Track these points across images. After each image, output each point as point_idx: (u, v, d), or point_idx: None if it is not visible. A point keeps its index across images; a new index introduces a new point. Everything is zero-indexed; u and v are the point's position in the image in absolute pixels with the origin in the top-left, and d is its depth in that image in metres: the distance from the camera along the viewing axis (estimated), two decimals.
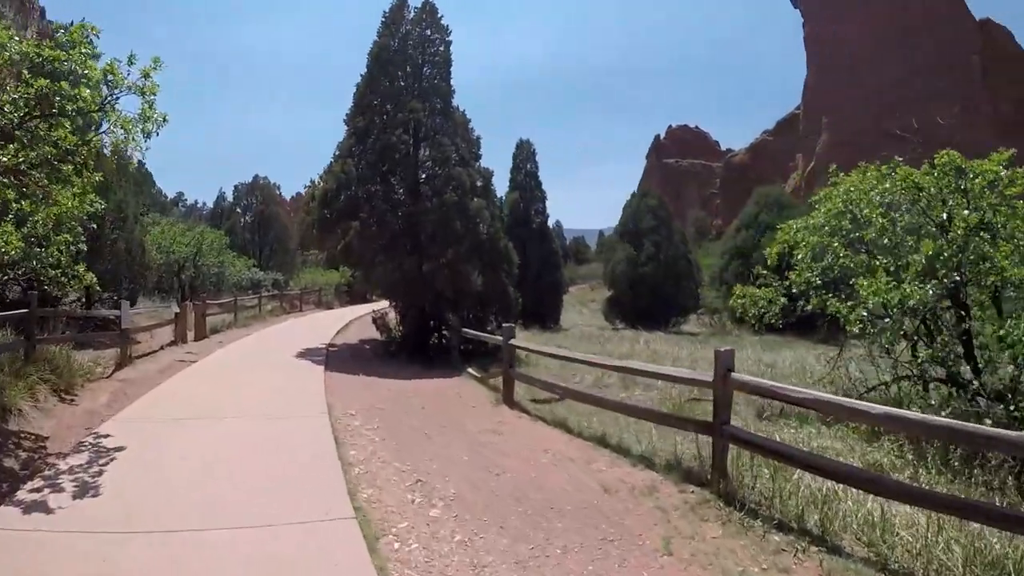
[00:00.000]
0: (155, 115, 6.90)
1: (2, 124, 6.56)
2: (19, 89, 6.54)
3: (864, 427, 7.60)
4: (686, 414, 8.05)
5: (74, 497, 5.27)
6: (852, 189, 9.90)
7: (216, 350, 15.86)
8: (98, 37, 7.00)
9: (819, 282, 9.86)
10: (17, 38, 6.65)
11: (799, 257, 10.25)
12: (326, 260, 24.89)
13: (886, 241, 9.22)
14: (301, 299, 35.25)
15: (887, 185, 9.50)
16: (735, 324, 29.18)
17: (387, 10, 17.06)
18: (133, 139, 7.04)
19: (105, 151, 8.43)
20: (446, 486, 5.87)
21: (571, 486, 5.96)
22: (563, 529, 4.95)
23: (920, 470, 6.54)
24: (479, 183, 16.15)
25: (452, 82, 17.13)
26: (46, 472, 5.93)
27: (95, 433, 7.37)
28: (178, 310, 17.30)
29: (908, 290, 8.11)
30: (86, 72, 6.64)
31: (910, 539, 4.63)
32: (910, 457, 6.98)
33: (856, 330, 9.17)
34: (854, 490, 5.18)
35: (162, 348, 15.43)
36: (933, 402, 8.20)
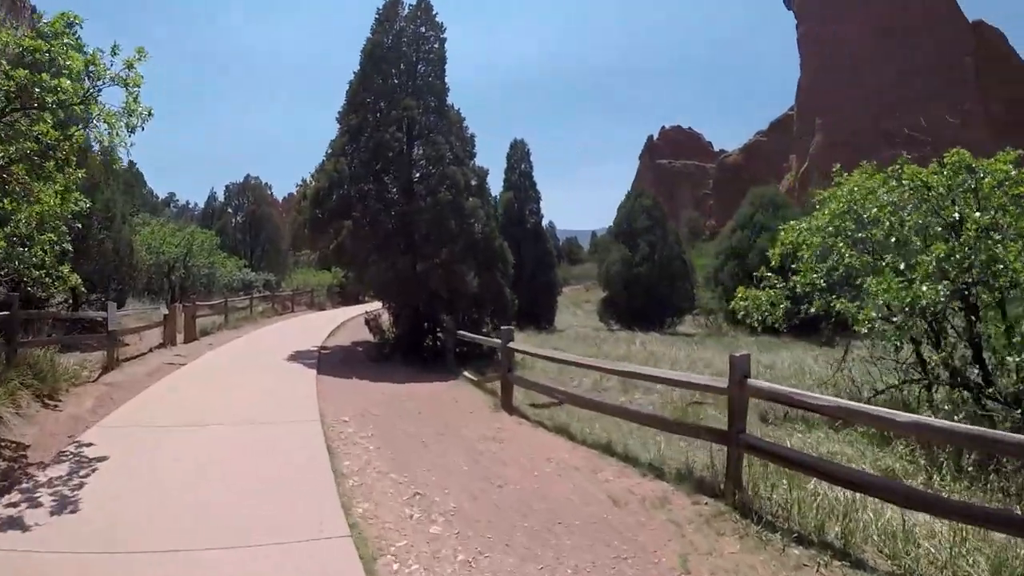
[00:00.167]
0: (140, 109, 6.59)
1: None
2: None
3: (874, 431, 7.40)
4: (694, 421, 7.79)
5: (52, 513, 4.96)
6: (856, 189, 9.70)
7: (206, 352, 15.54)
8: (81, 27, 6.69)
9: (824, 284, 9.65)
10: None
11: (804, 258, 10.04)
12: (318, 260, 24.55)
13: (894, 240, 9.02)
14: (293, 300, 34.89)
15: (894, 184, 9.33)
16: (731, 325, 29.08)
17: (381, 7, 16.76)
18: (117, 134, 6.73)
19: (94, 147, 8.11)
20: (446, 499, 5.57)
21: (578, 498, 5.67)
22: (573, 546, 4.66)
23: (935, 476, 6.32)
24: (474, 182, 15.87)
25: (446, 80, 16.87)
26: (24, 484, 5.61)
27: (77, 442, 7.04)
28: (167, 312, 16.96)
29: (921, 290, 7.89)
30: (68, 63, 6.32)
31: (932, 550, 4.45)
32: (923, 462, 6.75)
33: (864, 330, 8.93)
34: (869, 497, 4.95)
35: (151, 350, 15.09)
36: (947, 406, 7.97)
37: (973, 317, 8.43)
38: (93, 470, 6.02)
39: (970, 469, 6.48)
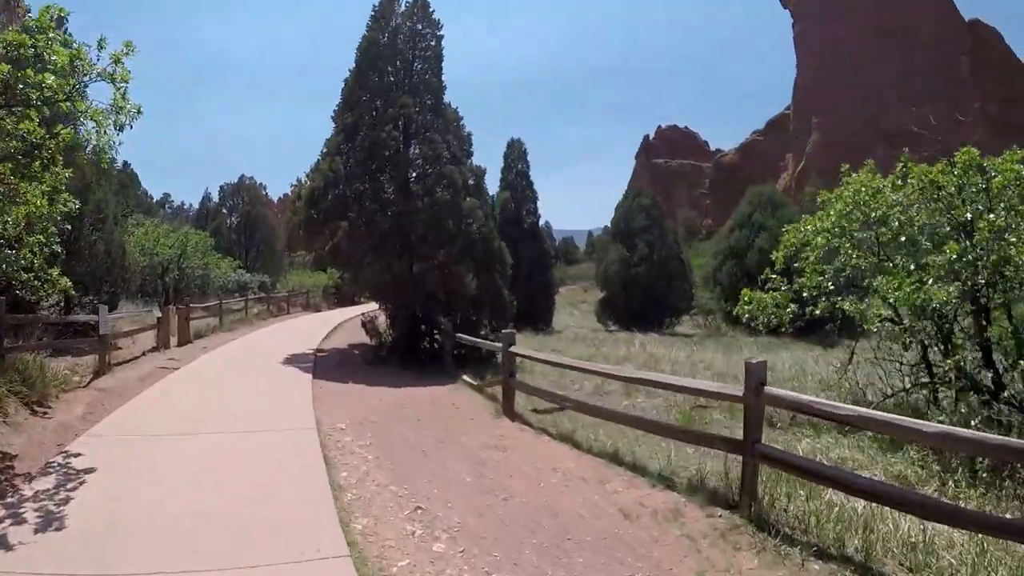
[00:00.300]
0: (128, 106, 6.33)
1: None
2: None
3: (884, 436, 7.12)
4: (706, 430, 7.61)
5: (37, 530, 4.72)
6: (863, 189, 9.52)
7: (200, 356, 15.28)
8: (67, 20, 6.46)
9: (831, 287, 9.47)
10: None
11: (810, 260, 9.87)
12: (313, 261, 24.36)
13: (903, 240, 8.86)
14: (288, 301, 34.64)
15: (902, 183, 9.22)
16: (729, 325, 28.96)
17: (377, 4, 16.50)
18: (105, 132, 6.47)
19: (86, 146, 7.85)
20: (449, 514, 5.32)
21: (587, 511, 5.43)
22: (585, 565, 4.43)
23: (949, 482, 6.15)
24: (471, 182, 15.64)
25: (443, 78, 16.64)
26: (9, 498, 5.37)
27: (66, 452, 6.79)
28: (160, 314, 16.68)
29: (933, 291, 7.71)
30: (54, 58, 6.07)
31: (954, 562, 4.30)
32: (935, 468, 6.57)
33: (875, 329, 8.88)
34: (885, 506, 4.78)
35: (144, 354, 14.82)
36: (963, 410, 7.78)
37: (984, 320, 8.26)
38: (81, 483, 5.78)
39: (984, 475, 6.28)
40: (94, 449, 6.91)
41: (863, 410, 4.89)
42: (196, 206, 59.07)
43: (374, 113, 15.67)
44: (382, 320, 16.68)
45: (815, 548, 4.56)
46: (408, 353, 14.92)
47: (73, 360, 12.20)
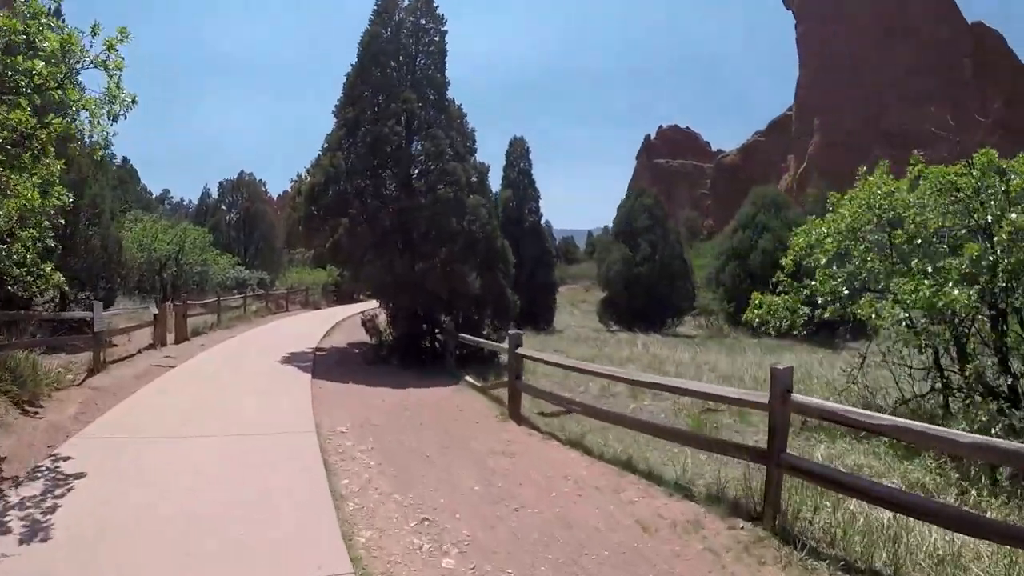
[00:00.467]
0: (122, 95, 6.05)
1: None
2: None
3: (900, 442, 6.97)
4: (718, 436, 7.38)
5: (22, 540, 4.45)
6: (878, 192, 9.35)
7: (197, 353, 15.01)
8: (63, 13, 6.18)
9: (845, 291, 9.27)
10: None
11: (822, 263, 9.67)
12: (313, 259, 24.08)
13: (919, 242, 8.71)
14: (287, 299, 34.36)
15: (920, 184, 9.10)
16: (731, 326, 28.80)
17: None
18: (99, 123, 6.20)
19: (79, 137, 7.57)
20: (458, 526, 5.04)
21: (603, 523, 5.16)
22: None
23: (972, 491, 5.98)
24: (474, 179, 15.36)
25: (447, 74, 16.37)
26: None
27: (55, 455, 6.51)
28: (157, 311, 16.41)
29: (953, 294, 7.51)
30: (45, 44, 5.79)
31: (983, 575, 4.16)
32: (954, 476, 6.38)
33: (890, 332, 8.75)
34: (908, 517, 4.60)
35: (140, 352, 14.56)
36: (984, 418, 7.56)
37: (1003, 325, 8.09)
38: (69, 489, 5.50)
39: (1005, 483, 6.17)
40: (85, 453, 6.63)
41: (898, 420, 4.64)
42: (195, 202, 58.75)
43: (376, 108, 15.40)
44: (382, 319, 16.41)
45: (842, 562, 4.35)
46: (409, 353, 14.67)
47: (67, 358, 11.96)
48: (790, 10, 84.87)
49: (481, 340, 12.73)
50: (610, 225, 39.73)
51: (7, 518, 4.82)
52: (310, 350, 16.32)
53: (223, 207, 47.90)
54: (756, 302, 10.26)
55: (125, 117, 6.20)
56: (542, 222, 30.55)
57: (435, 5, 16.30)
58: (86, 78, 6.20)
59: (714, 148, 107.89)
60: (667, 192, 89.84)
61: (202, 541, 4.56)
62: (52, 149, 6.59)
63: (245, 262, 40.12)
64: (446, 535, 4.86)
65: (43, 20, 5.90)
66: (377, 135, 14.84)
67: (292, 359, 14.48)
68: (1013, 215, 7.76)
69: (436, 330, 15.15)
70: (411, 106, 15.04)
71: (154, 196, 71.65)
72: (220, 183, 48.96)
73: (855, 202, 9.64)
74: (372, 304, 20.42)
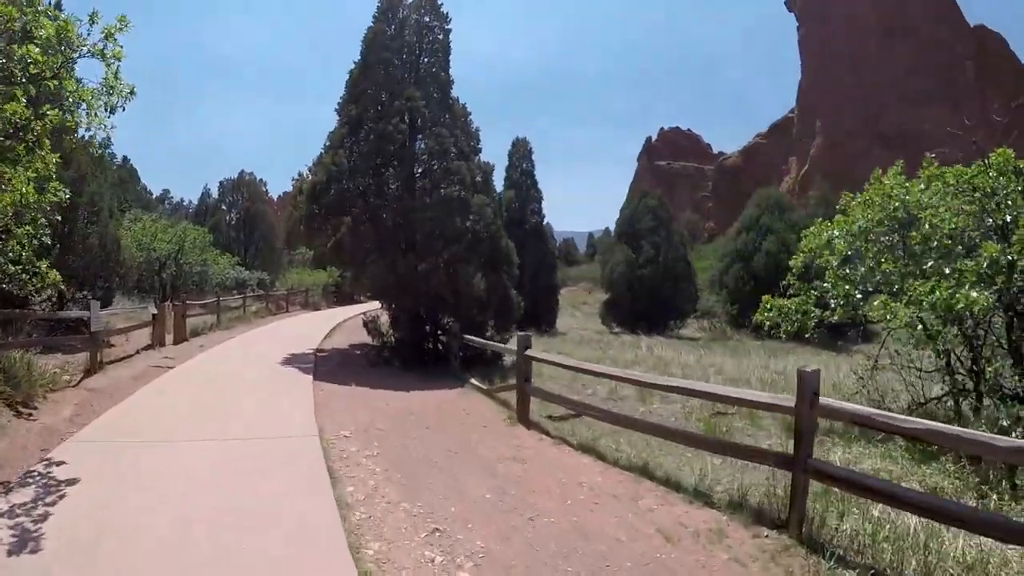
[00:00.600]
0: (120, 86, 5.82)
1: None
2: None
3: (917, 446, 6.89)
4: (735, 440, 7.20)
5: (11, 552, 4.22)
6: (893, 194, 9.25)
7: (196, 354, 14.77)
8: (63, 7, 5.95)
9: (859, 294, 9.11)
10: None
11: (834, 265, 9.51)
12: (314, 259, 23.84)
13: (935, 244, 8.54)
14: (287, 300, 34.12)
15: (938, 185, 9.00)
16: (735, 329, 28.66)
17: None
18: (96, 114, 5.97)
19: (83, 132, 7.35)
20: (471, 537, 4.78)
21: (624, 533, 4.92)
22: None
23: (992, 495, 5.83)
24: (479, 178, 15.14)
25: (451, 72, 16.16)
26: None
27: (48, 459, 6.27)
28: (156, 311, 16.19)
29: (971, 295, 7.36)
30: (41, 32, 5.56)
31: None
32: (974, 480, 6.25)
33: (906, 335, 8.57)
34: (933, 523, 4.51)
35: (138, 352, 14.34)
36: (1005, 421, 7.41)
37: (1021, 327, 7.98)
38: (61, 496, 5.26)
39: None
40: (79, 457, 6.40)
41: (932, 424, 4.43)
42: (195, 203, 58.51)
43: (379, 106, 15.17)
44: (384, 320, 16.18)
45: (872, 571, 4.22)
46: (412, 354, 14.45)
47: (64, 358, 11.75)
48: (792, 12, 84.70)
49: (487, 342, 12.52)
50: (611, 227, 39.53)
51: None
52: (311, 351, 16.10)
53: (223, 207, 47.71)
54: (767, 305, 10.11)
55: (123, 109, 6.00)
56: (544, 223, 30.35)
57: (439, 3, 16.11)
58: (83, 69, 5.95)
59: (715, 150, 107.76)
60: (668, 194, 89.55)
61: (201, 555, 4.33)
62: (48, 142, 6.35)
63: (245, 262, 39.97)
64: (459, 547, 4.61)
65: (39, 7, 5.68)
66: (380, 133, 14.61)
67: (293, 360, 14.25)
68: None
69: (439, 332, 14.92)
70: (415, 104, 14.81)
71: (154, 196, 71.45)
72: (220, 183, 48.80)
73: (868, 203, 9.50)
74: (372, 305, 20.20)
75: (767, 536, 4.81)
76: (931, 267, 8.41)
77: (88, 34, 5.72)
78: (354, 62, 15.74)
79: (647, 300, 29.39)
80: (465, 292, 13.97)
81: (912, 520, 4.69)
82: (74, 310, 13.85)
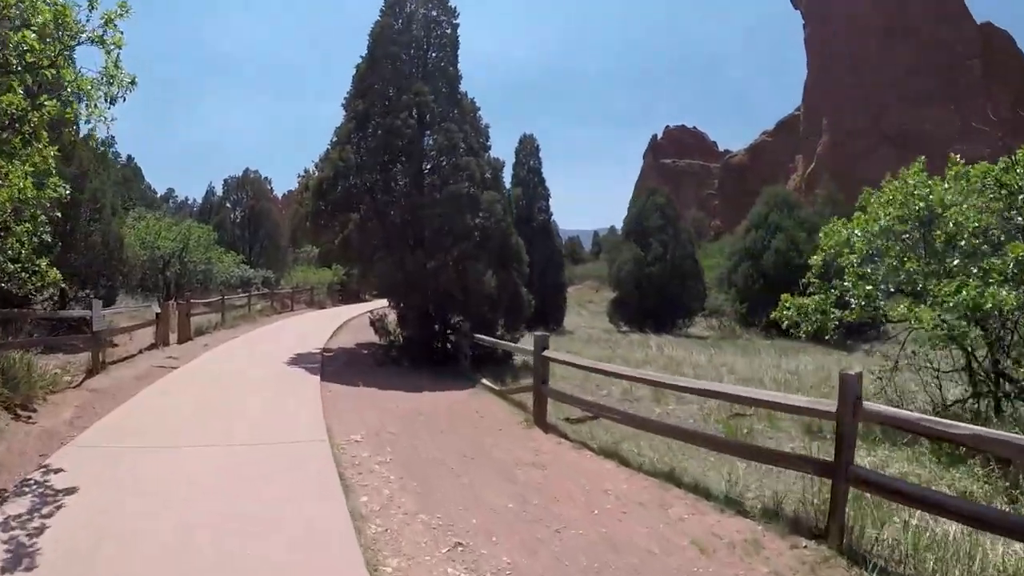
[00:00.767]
0: (120, 75, 5.55)
1: None
2: None
3: (943, 449, 6.83)
4: (764, 447, 6.90)
5: (4, 569, 3.95)
6: (916, 192, 9.04)
7: (201, 354, 14.54)
8: None
9: (879, 295, 8.92)
10: None
11: (856, 263, 9.37)
12: (320, 256, 23.50)
13: (962, 243, 8.41)
14: (292, 298, 33.89)
15: (962, 184, 8.90)
16: (744, 327, 28.44)
17: None
18: (95, 105, 5.70)
19: (83, 125, 7.09)
20: (495, 551, 4.47)
21: (656, 545, 4.64)
22: None
23: (1022, 498, 5.70)
24: (488, 175, 14.86)
25: (459, 67, 15.90)
26: None
27: (46, 466, 6.00)
28: (160, 310, 15.95)
29: (1003, 294, 7.23)
30: (38, 18, 5.29)
31: None
32: (1004, 484, 6.07)
33: (928, 335, 8.30)
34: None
35: (141, 352, 14.13)
36: None
37: None
38: (59, 506, 4.98)
39: None
40: (78, 463, 6.13)
41: (977, 429, 4.19)
42: (200, 201, 58.30)
43: (387, 101, 14.90)
44: (392, 318, 15.93)
45: None
46: (421, 354, 14.19)
47: (65, 358, 11.53)
48: (798, 10, 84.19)
49: (498, 341, 12.26)
50: (616, 225, 39.31)
51: None
52: (317, 351, 15.87)
53: (228, 205, 47.52)
54: (785, 303, 9.90)
55: (124, 100, 5.73)
56: (551, 221, 30.12)
57: None
58: (82, 57, 5.68)
59: (721, 148, 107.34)
60: (674, 192, 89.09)
61: (201, 559, 4.08)
62: (45, 134, 6.08)
63: (250, 260, 39.77)
64: (484, 563, 4.31)
65: None
66: (388, 128, 14.34)
67: (299, 360, 14.00)
68: None
69: (448, 330, 14.67)
70: (423, 99, 14.54)
71: (159, 195, 71.35)
72: (225, 180, 48.57)
73: (890, 201, 9.26)
74: (378, 303, 19.98)
75: (806, 547, 4.56)
76: (956, 266, 8.25)
77: (87, 20, 5.46)
78: (361, 56, 15.50)
79: (655, 298, 29.19)
80: (475, 289, 13.70)
81: (952, 527, 4.52)
82: (76, 309, 13.61)
